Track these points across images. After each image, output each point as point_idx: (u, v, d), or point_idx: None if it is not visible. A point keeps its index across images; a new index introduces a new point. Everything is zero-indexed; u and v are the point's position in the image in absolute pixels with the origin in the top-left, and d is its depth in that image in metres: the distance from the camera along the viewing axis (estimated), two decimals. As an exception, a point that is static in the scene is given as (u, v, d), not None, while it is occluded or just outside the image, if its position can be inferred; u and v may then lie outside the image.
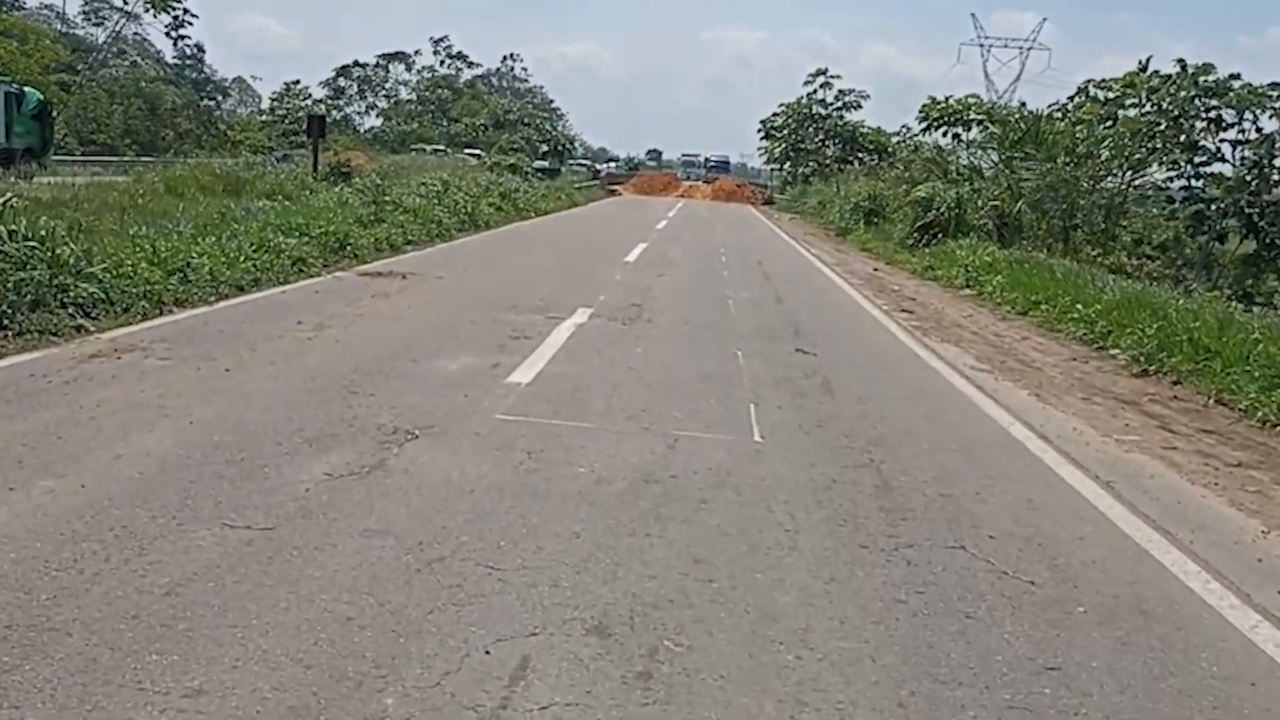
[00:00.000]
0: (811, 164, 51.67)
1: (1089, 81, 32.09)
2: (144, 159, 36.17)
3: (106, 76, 51.20)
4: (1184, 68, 26.91)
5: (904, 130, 52.81)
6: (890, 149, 48.75)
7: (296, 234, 13.00)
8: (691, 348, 8.45)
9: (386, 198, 18.11)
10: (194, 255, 9.93)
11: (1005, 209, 23.17)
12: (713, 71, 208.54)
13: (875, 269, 18.39)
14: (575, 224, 26.92)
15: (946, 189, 22.56)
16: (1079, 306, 11.01)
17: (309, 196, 17.97)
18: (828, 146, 53.14)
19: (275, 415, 5.38)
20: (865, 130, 52.15)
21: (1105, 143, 24.34)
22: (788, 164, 55.85)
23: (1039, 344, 10.51)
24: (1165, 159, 26.61)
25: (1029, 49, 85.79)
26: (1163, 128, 28.15)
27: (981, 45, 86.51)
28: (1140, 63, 29.69)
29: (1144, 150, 25.53)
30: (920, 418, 6.54)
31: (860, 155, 52.01)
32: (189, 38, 57.54)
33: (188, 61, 73.09)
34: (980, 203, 22.95)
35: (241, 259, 10.65)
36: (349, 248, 13.49)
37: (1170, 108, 27.68)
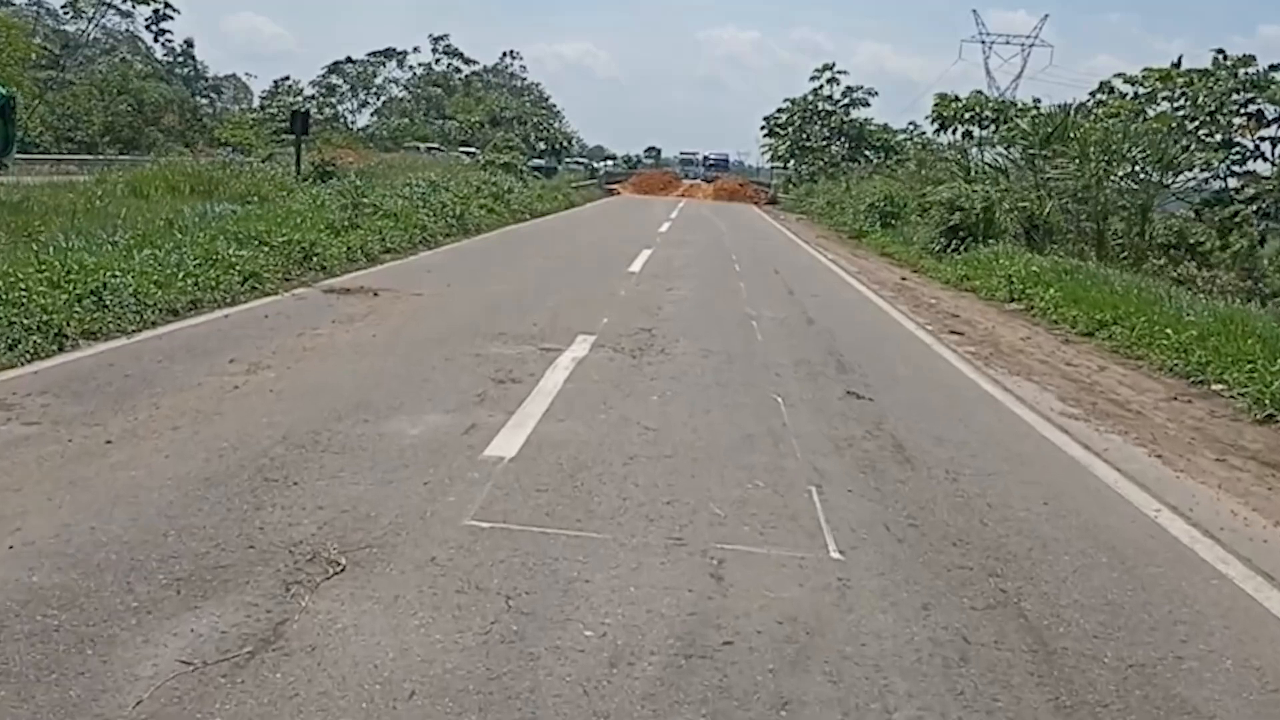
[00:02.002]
0: (818, 162, 49.95)
1: (1118, 75, 30.52)
2: (122, 157, 34.56)
3: (95, 73, 49.46)
4: (1224, 58, 25.31)
5: (911, 128, 51.35)
6: (897, 147, 47.18)
7: (255, 243, 11.37)
8: (720, 392, 6.80)
9: (365, 200, 16.46)
10: (117, 272, 8.28)
11: (1034, 211, 21.59)
12: (708, 70, 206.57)
13: (903, 278, 16.74)
14: (573, 227, 25.25)
15: (972, 190, 20.93)
16: (1168, 331, 9.36)
17: (286, 198, 16.35)
18: (833, 144, 51.45)
19: (145, 528, 3.73)
20: (873, 128, 50.47)
21: (1142, 140, 22.66)
22: (792, 161, 54.14)
23: (1123, 376, 8.88)
24: (1199, 158, 24.98)
25: (1031, 46, 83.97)
26: (1197, 124, 26.57)
27: (983, 42, 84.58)
28: (1173, 60, 28.10)
29: (1179, 148, 23.88)
30: (1037, 503, 4.89)
31: (867, 153, 50.42)
32: (170, 33, 55.66)
33: (178, 58, 71.51)
34: (1007, 204, 21.36)
35: (180, 275, 9.02)
36: (316, 258, 11.83)
37: (1207, 102, 26.08)
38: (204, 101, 71.08)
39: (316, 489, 4.27)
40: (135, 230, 10.65)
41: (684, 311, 10.68)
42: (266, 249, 11.34)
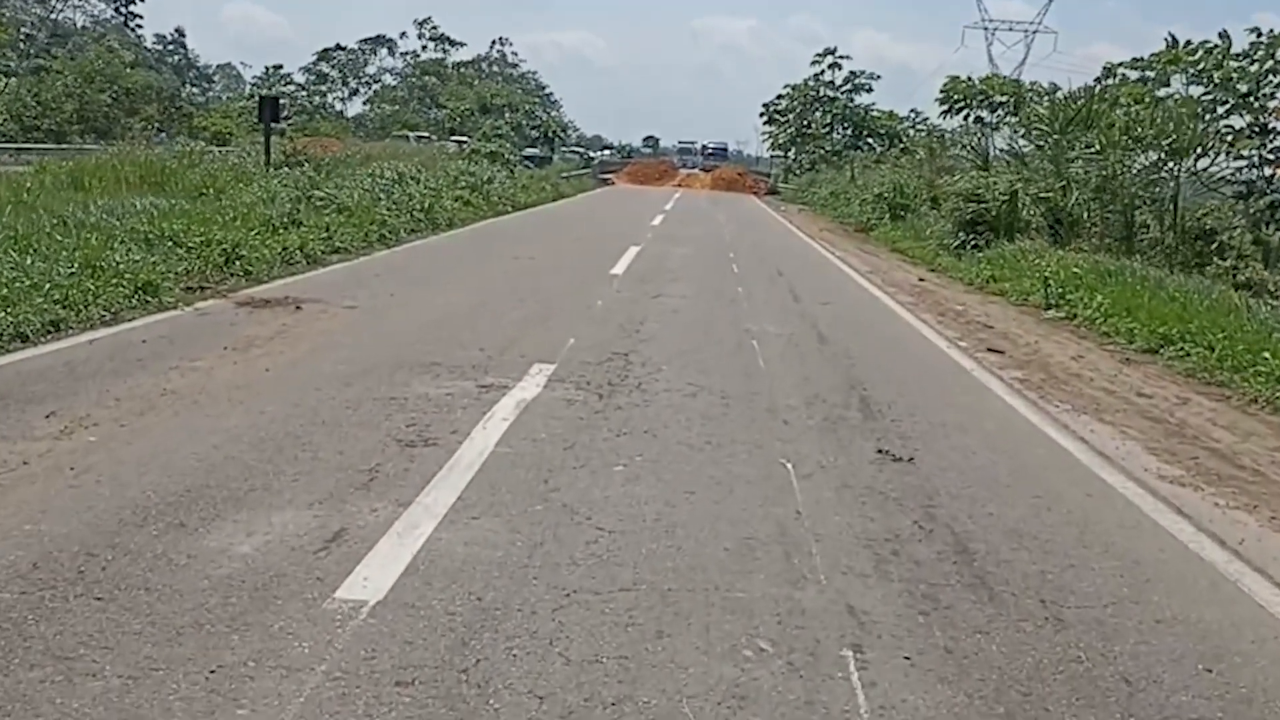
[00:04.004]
0: (819, 150, 48.04)
1: (1118, 65, 28.67)
2: (90, 147, 32.84)
3: (82, 61, 47.62)
4: (1259, 35, 23.41)
5: (914, 115, 49.41)
6: (902, 134, 45.31)
7: (166, 244, 9.65)
8: (709, 457, 5.03)
9: (318, 192, 14.70)
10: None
11: (1057, 203, 19.82)
12: (706, 59, 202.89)
13: (920, 278, 14.98)
14: (557, 220, 23.45)
15: (993, 180, 19.16)
16: (1266, 355, 7.59)
17: (241, 190, 14.59)
18: (836, 131, 49.54)
19: None
20: (877, 114, 48.56)
21: (1170, 123, 20.81)
22: (792, 150, 52.21)
23: (1213, 412, 7.12)
24: (1233, 147, 23.14)
25: (1035, 32, 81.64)
26: (1228, 108, 24.73)
27: (986, 28, 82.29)
28: (1167, 38, 26.13)
29: (1211, 134, 22.01)
30: (1195, 670, 3.14)
31: (870, 140, 48.56)
32: (140, 17, 53.57)
33: (168, 47, 69.70)
34: (1029, 196, 19.59)
35: (45, 287, 7.27)
36: (240, 262, 10.06)
37: (1238, 84, 24.20)
38: (195, 90, 69.33)
39: (7, 696, 2.52)
40: (12, 231, 8.90)
41: (670, 328, 8.91)
42: (180, 251, 9.64)
